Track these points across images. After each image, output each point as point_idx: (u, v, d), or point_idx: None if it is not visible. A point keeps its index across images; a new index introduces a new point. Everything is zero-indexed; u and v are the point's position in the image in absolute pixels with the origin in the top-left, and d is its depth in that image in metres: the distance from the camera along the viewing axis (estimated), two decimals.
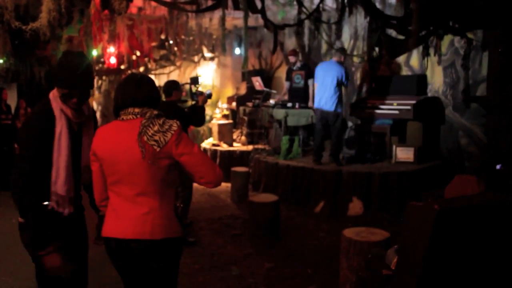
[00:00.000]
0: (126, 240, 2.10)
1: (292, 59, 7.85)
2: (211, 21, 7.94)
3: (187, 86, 5.43)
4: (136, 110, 2.13)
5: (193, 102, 4.83)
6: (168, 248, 2.15)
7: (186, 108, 5.00)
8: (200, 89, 4.92)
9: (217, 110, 10.23)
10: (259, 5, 5.14)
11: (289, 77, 8.00)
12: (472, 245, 2.17)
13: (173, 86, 4.79)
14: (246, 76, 9.71)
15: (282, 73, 9.63)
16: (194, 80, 5.05)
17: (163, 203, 2.14)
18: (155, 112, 2.14)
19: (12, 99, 9.11)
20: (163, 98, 4.70)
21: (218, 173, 2.18)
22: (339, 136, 6.45)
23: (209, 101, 5.17)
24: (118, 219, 2.13)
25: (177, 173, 2.23)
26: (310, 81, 7.56)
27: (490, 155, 5.08)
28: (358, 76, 7.87)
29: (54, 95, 2.29)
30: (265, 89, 8.15)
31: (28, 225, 2.24)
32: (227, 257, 4.52)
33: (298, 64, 7.82)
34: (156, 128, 2.08)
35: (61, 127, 2.27)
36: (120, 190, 2.13)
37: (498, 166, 4.20)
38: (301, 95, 7.66)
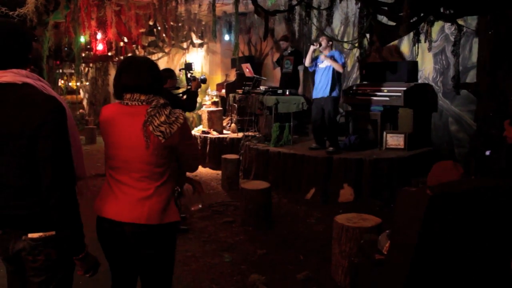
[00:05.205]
0: (121, 223, 2.08)
1: (283, 45, 7.91)
2: (200, 7, 7.86)
3: (182, 72, 5.50)
4: (142, 97, 2.09)
5: (188, 87, 4.90)
6: (162, 234, 2.15)
7: (180, 94, 5.01)
8: (193, 74, 5.01)
9: (207, 97, 10.16)
10: None
11: (279, 62, 8.07)
12: (464, 230, 2.20)
13: (167, 74, 4.77)
14: (236, 62, 9.65)
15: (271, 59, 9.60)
16: (188, 66, 5.17)
17: (162, 188, 2.13)
18: (162, 101, 2.11)
19: None
20: None
21: (197, 166, 2.45)
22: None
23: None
24: (116, 201, 2.11)
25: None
26: (300, 67, 7.59)
27: (479, 141, 5.13)
28: (348, 62, 7.85)
29: None
30: (255, 75, 8.12)
31: None
32: (219, 244, 4.52)
33: (289, 50, 7.86)
34: (162, 118, 2.05)
35: None
36: (120, 174, 2.12)
37: (487, 152, 4.25)
38: (289, 80, 7.73)
